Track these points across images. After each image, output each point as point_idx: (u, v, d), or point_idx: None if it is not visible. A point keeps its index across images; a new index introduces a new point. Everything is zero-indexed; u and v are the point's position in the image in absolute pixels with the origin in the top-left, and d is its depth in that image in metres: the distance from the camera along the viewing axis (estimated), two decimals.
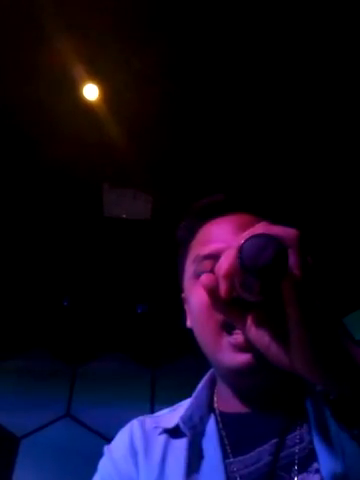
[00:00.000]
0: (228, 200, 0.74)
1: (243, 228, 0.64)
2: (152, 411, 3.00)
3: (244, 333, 0.49)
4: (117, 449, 0.71)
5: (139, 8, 1.90)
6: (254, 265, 0.42)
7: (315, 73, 2.12)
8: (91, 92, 2.20)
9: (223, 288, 0.46)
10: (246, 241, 0.44)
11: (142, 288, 3.39)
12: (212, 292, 0.47)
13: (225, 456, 0.60)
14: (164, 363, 3.48)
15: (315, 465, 0.55)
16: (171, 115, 2.30)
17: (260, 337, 0.47)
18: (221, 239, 0.67)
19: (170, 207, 2.39)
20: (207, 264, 0.66)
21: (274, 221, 0.70)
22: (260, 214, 0.71)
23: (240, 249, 0.43)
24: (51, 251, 3.08)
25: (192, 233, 0.74)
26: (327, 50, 2.03)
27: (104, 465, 0.71)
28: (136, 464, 0.67)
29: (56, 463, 2.87)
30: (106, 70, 2.12)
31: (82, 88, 2.17)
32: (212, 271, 0.62)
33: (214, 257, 0.65)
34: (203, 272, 0.65)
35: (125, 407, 2.97)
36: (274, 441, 0.59)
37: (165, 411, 0.79)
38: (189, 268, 0.71)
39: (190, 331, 0.71)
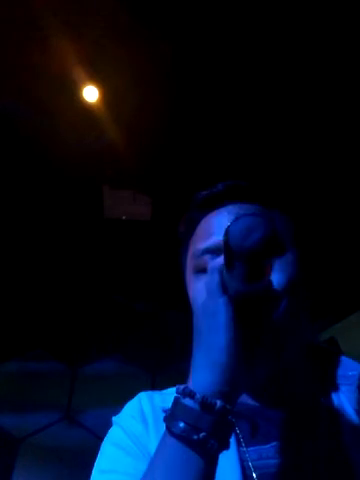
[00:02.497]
0: (228, 190, 0.70)
1: None
2: None
3: None
4: (127, 417, 0.69)
5: (138, 9, 1.90)
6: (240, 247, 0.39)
7: (315, 70, 2.12)
8: (91, 94, 2.20)
9: None
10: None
11: (142, 289, 3.39)
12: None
13: (238, 444, 0.59)
14: (164, 365, 3.48)
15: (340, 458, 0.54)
16: (171, 117, 2.30)
17: None
18: (220, 231, 0.62)
19: (170, 208, 2.39)
20: (207, 258, 0.63)
21: (276, 209, 0.69)
22: (261, 203, 0.68)
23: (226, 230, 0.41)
24: (51, 252, 3.08)
25: (192, 227, 0.71)
26: (326, 49, 2.03)
27: (114, 432, 0.68)
28: (147, 433, 0.64)
29: (56, 465, 2.86)
30: (106, 72, 2.12)
31: (82, 90, 2.18)
32: None
33: (213, 250, 0.62)
34: (203, 267, 0.63)
35: None
36: (289, 436, 0.58)
37: (173, 390, 0.78)
38: (189, 263, 0.68)
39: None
